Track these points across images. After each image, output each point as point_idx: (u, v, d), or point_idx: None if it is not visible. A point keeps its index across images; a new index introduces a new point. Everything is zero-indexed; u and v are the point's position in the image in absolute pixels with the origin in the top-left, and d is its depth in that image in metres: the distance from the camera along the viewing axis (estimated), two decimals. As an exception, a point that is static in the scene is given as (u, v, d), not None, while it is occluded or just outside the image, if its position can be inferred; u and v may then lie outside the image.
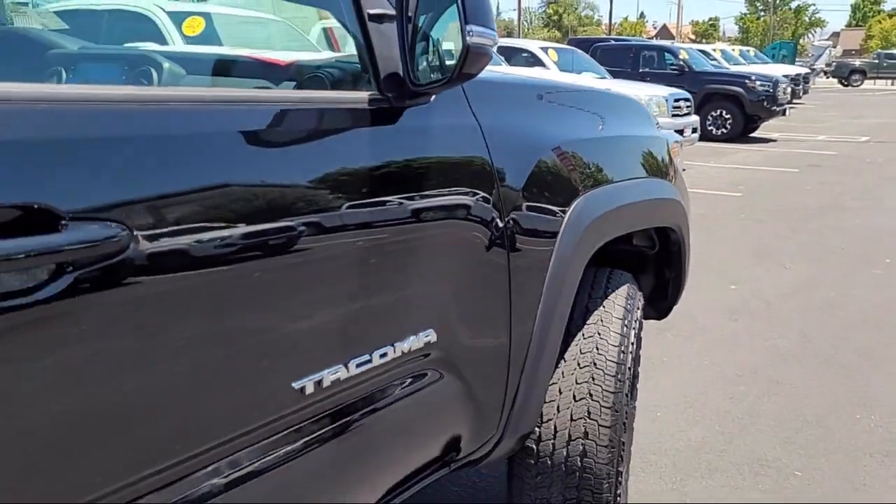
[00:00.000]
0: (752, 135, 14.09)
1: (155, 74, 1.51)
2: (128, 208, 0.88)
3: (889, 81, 37.41)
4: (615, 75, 11.88)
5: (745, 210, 7.33)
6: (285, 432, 1.15)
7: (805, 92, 22.62)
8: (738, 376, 3.38)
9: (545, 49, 11.08)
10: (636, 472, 2.48)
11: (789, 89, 15.01)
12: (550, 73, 9.80)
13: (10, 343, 0.79)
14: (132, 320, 0.90)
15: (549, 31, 72.78)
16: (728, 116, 13.57)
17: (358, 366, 1.22)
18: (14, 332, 0.79)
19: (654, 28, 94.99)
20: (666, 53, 14.48)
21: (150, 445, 0.96)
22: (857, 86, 36.10)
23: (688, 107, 10.97)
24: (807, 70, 25.47)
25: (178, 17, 5.98)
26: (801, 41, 69.02)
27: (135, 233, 0.88)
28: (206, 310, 0.99)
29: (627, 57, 14.25)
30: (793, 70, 21.84)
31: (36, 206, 0.81)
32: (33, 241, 0.80)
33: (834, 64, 40.14)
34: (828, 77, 38.87)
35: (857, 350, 3.73)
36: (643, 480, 2.48)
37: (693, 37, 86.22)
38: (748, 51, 24.74)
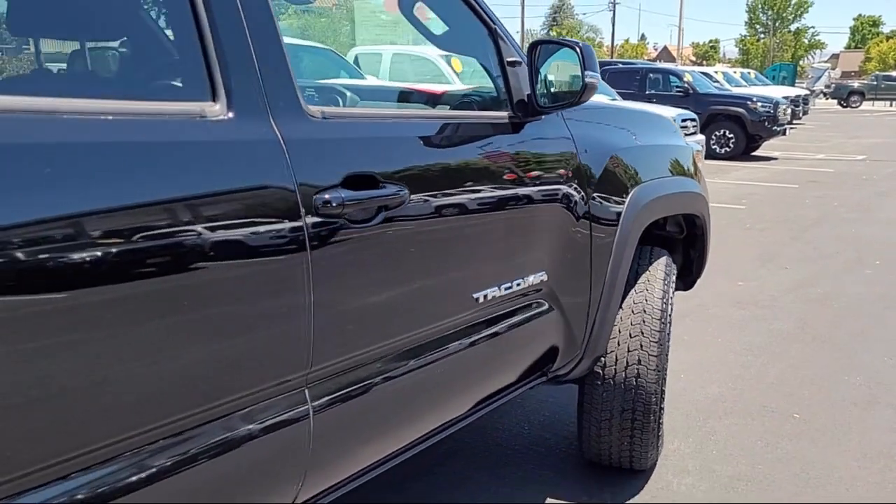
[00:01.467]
0: (754, 153, 14.76)
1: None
2: (406, 176, 1.55)
3: (887, 103, 38.14)
4: (623, 97, 12.59)
5: (748, 221, 7.98)
6: (463, 328, 1.81)
7: (805, 113, 23.32)
8: (747, 350, 4.02)
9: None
10: (667, 415, 3.11)
11: (789, 110, 15.71)
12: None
13: (356, 245, 1.45)
14: (404, 241, 1.57)
15: (552, 53, 73.70)
16: (731, 136, 14.27)
17: (505, 289, 1.89)
18: (359, 241, 1.45)
19: (655, 50, 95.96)
20: (671, 76, 15.22)
21: (406, 318, 1.62)
22: (856, 107, 36.78)
23: (694, 126, 11.66)
24: (806, 92, 26.22)
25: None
26: (800, 63, 69.71)
27: (409, 191, 1.54)
28: (436, 243, 1.65)
29: (635, 79, 14.98)
30: (793, 92, 22.56)
31: (369, 174, 1.47)
32: (370, 192, 1.46)
33: (833, 85, 40.89)
34: (827, 98, 39.60)
35: (848, 332, 4.38)
36: (673, 420, 3.12)
37: (694, 58, 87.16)
38: (749, 73, 25.50)
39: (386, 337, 1.54)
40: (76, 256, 1.01)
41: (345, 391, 1.47)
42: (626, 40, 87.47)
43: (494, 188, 1.83)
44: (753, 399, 3.39)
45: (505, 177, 1.87)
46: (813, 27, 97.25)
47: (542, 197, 2.01)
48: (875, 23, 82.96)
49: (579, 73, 1.93)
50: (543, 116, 2.05)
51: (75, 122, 1.08)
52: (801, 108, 21.76)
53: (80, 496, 1.06)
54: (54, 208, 1.00)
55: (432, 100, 2.22)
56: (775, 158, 14.57)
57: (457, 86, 3.54)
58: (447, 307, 1.71)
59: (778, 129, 14.48)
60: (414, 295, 1.60)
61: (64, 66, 2.12)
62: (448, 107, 2.18)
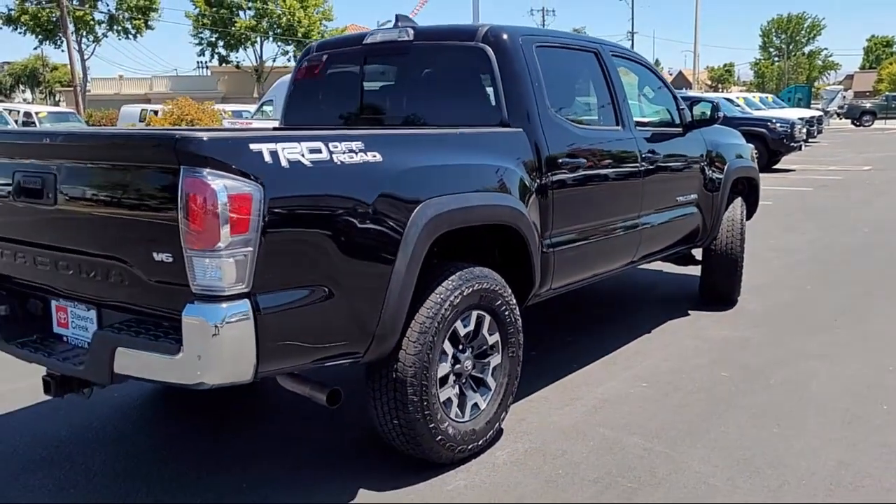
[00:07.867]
0: (775, 167, 17.44)
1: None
2: (660, 148, 4.40)
3: (898, 121, 40.36)
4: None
5: (774, 211, 10.70)
6: (671, 210, 4.64)
7: (819, 132, 25.51)
8: (779, 269, 6.80)
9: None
10: (739, 287, 5.87)
11: (805, 130, 18.35)
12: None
13: (652, 174, 4.28)
14: (658, 175, 4.40)
15: (574, 80, 76.58)
16: (755, 152, 16.95)
17: (684, 196, 4.74)
18: (654, 171, 4.28)
19: (671, 74, 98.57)
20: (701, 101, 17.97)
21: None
22: (868, 126, 38.67)
23: (726, 143, 14.41)
24: (821, 113, 28.48)
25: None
26: (815, 84, 71.54)
27: (662, 156, 4.38)
28: (667, 175, 4.50)
29: (671, 106, 17.75)
30: (808, 113, 24.80)
31: (655, 151, 4.31)
32: (656, 156, 4.31)
33: (846, 106, 42.99)
34: (841, 118, 41.66)
35: (843, 261, 7.13)
36: (743, 291, 5.87)
37: (709, 82, 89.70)
38: (767, 97, 28.12)
39: (659, 205, 4.38)
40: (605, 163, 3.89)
41: (647, 224, 4.30)
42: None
43: (680, 157, 4.67)
44: (785, 284, 6.18)
45: (682, 153, 4.72)
46: (826, 49, 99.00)
47: (694, 163, 4.85)
48: (889, 43, 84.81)
49: (709, 111, 4.78)
50: (695, 129, 4.88)
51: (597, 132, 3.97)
52: (815, 127, 23.98)
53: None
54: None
55: (642, 125, 5.04)
56: (793, 170, 17.24)
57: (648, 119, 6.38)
58: (671, 200, 4.55)
59: (795, 145, 17.12)
60: (667, 192, 4.45)
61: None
62: (654, 125, 5.01)
